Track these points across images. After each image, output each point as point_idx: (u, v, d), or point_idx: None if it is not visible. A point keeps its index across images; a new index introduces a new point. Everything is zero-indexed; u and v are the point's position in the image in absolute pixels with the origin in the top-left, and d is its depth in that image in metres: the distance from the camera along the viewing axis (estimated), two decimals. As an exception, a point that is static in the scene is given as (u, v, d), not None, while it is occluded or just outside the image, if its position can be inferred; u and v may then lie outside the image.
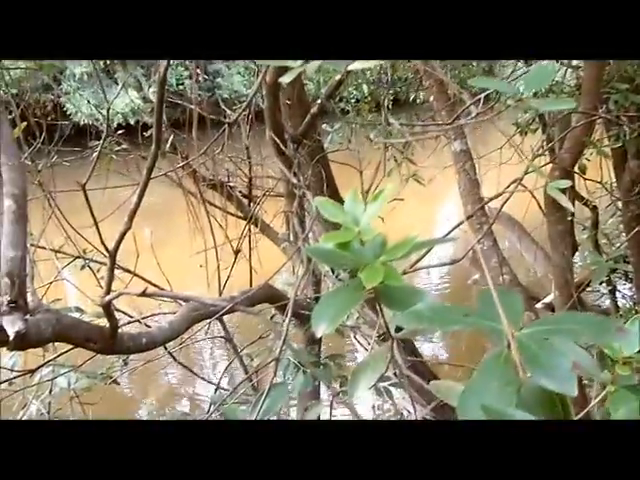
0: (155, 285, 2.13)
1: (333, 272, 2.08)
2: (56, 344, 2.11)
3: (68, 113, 12.80)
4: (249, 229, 2.67)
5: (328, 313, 0.76)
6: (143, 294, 1.14)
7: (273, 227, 2.78)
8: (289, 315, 1.33)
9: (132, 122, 11.68)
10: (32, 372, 1.81)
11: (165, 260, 2.89)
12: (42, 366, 1.85)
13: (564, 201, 1.08)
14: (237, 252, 2.62)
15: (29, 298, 1.22)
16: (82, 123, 11.31)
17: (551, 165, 2.42)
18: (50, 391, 2.48)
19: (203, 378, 2.96)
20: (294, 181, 1.80)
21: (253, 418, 1.03)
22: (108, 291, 1.29)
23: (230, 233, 2.79)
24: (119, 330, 1.47)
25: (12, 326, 1.10)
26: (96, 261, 2.17)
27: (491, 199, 2.10)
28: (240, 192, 2.82)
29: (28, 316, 1.16)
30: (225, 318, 2.36)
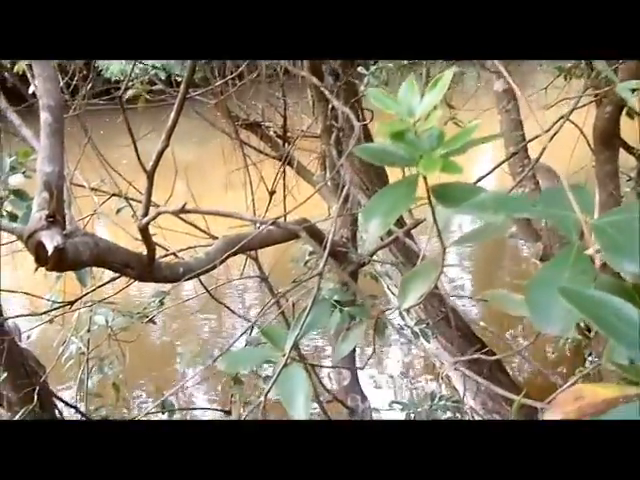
0: (191, 223, 2.12)
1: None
2: (94, 281, 2.13)
3: (100, 69, 12.83)
4: (284, 170, 2.62)
5: (381, 208, 0.71)
6: (182, 210, 1.10)
7: (309, 169, 2.72)
8: (329, 243, 1.28)
9: (163, 77, 11.66)
10: (71, 304, 1.82)
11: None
12: (82, 297, 1.86)
13: (633, 102, 0.99)
14: (272, 193, 2.58)
15: (67, 223, 1.20)
16: (113, 80, 11.34)
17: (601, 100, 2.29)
18: (88, 330, 2.52)
19: (240, 315, 2.97)
20: (335, 103, 1.73)
21: (295, 334, 1.00)
22: (146, 213, 1.26)
23: (265, 176, 2.75)
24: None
25: (51, 241, 1.08)
26: (134, 199, 2.15)
27: (535, 137, 2.01)
28: (275, 132, 2.76)
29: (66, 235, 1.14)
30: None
